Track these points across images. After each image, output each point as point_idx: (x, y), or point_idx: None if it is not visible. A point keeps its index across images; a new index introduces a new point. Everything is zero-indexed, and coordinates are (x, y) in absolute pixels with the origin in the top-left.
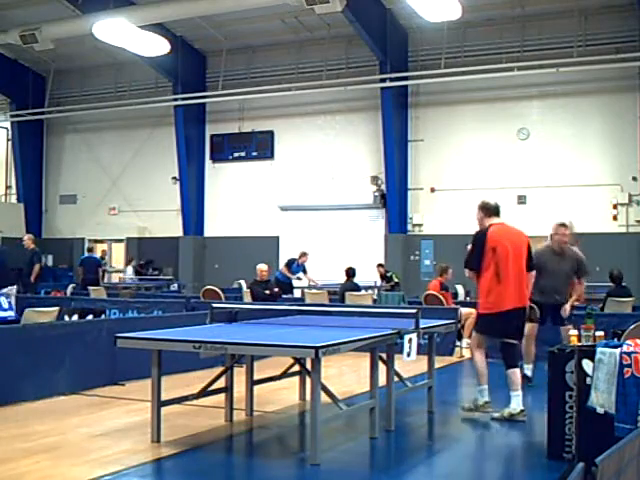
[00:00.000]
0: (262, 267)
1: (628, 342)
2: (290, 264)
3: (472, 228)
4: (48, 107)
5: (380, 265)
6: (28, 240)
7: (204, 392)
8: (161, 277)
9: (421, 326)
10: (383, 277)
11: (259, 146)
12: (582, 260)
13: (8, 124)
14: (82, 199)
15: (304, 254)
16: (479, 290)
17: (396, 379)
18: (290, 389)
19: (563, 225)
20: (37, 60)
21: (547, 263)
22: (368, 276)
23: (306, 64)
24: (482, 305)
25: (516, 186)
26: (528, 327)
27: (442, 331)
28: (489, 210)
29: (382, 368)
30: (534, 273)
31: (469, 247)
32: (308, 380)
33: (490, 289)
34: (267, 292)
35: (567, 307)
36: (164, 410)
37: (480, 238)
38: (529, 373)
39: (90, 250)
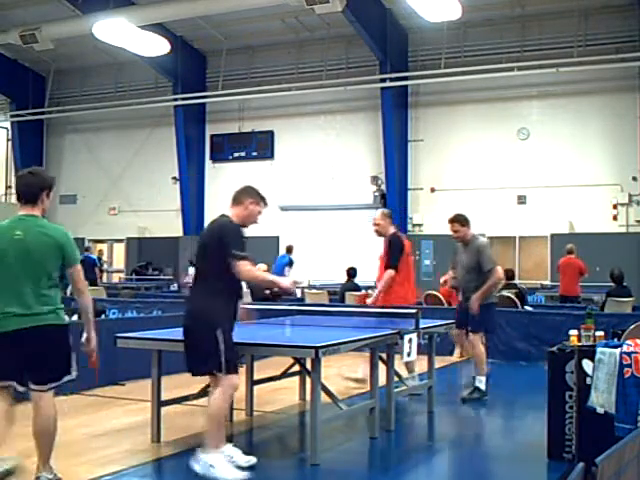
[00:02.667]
0: (261, 267)
1: (628, 342)
2: (292, 264)
3: (472, 228)
4: (48, 107)
5: None
6: None
7: (204, 392)
8: (161, 277)
9: (421, 326)
10: None
11: (259, 146)
12: (482, 249)
13: (8, 124)
14: (82, 199)
15: (292, 247)
16: (386, 287)
17: (396, 379)
18: (290, 389)
19: (450, 221)
20: (37, 60)
21: (455, 257)
22: (368, 276)
23: (306, 64)
24: (394, 299)
25: (516, 186)
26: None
27: (442, 331)
28: (391, 218)
29: (382, 368)
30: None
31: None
32: (308, 380)
33: (402, 286)
34: (267, 292)
35: (473, 300)
36: (164, 410)
37: (400, 243)
38: (482, 386)
39: (87, 250)
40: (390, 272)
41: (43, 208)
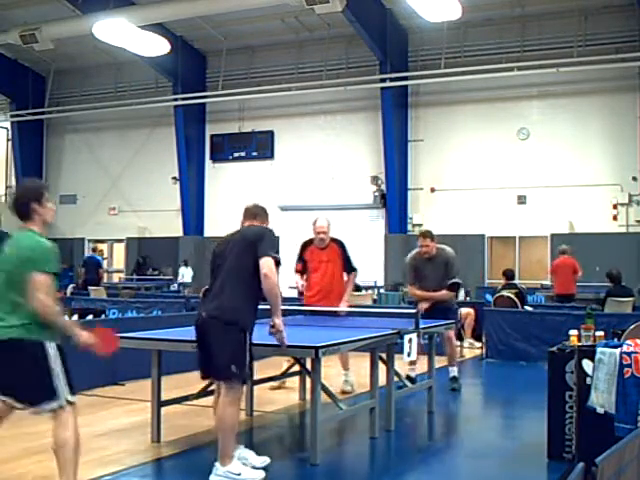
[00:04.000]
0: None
1: (628, 342)
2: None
3: (472, 228)
4: (48, 107)
5: None
6: None
7: (204, 392)
8: (161, 277)
9: (421, 326)
10: None
11: (259, 146)
12: (451, 262)
13: (8, 124)
14: (82, 199)
15: None
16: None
17: (396, 379)
18: (290, 389)
19: (422, 235)
20: (37, 60)
21: (419, 269)
22: (368, 276)
23: (306, 64)
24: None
25: (516, 186)
26: None
27: (442, 331)
28: None
29: (382, 368)
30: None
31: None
32: (308, 380)
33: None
34: None
35: (427, 300)
36: (164, 410)
37: None
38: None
39: (94, 250)
40: (355, 274)
41: (42, 219)
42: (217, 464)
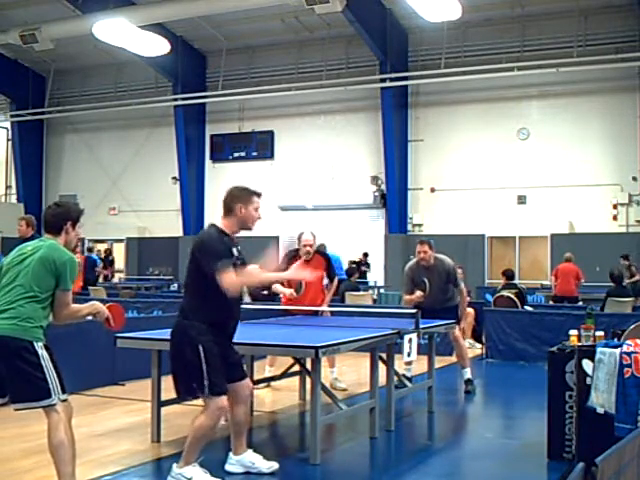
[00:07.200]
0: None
1: (628, 342)
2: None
3: (472, 228)
4: (48, 107)
5: (365, 254)
6: (24, 226)
7: None
8: (161, 277)
9: (421, 326)
10: (362, 263)
11: (259, 146)
12: (452, 272)
13: (8, 124)
14: (82, 199)
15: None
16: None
17: (396, 379)
18: (290, 389)
19: (421, 242)
20: (37, 60)
21: (418, 278)
22: (368, 276)
23: (306, 64)
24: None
25: (516, 186)
26: None
27: (442, 331)
28: None
29: (382, 368)
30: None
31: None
32: (308, 380)
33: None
34: (265, 292)
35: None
36: (164, 410)
37: None
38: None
39: (89, 250)
40: (337, 281)
41: (66, 240)
42: (174, 465)
